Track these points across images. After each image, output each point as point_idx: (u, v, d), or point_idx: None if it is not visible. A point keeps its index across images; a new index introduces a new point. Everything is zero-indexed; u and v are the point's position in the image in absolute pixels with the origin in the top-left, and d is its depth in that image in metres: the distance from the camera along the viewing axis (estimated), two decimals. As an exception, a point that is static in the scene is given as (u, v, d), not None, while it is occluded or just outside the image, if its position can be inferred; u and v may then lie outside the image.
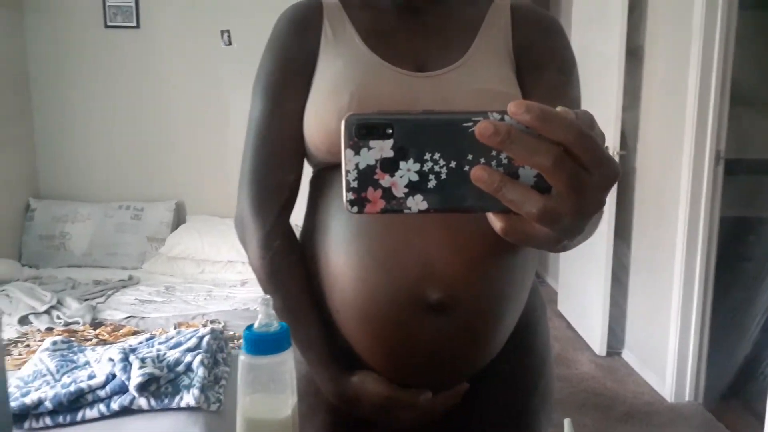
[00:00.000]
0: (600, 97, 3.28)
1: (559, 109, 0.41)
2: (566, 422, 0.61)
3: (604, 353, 3.43)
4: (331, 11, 0.87)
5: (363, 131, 0.41)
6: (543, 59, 0.83)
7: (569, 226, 0.42)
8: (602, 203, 0.43)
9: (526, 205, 0.40)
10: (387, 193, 0.42)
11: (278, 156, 0.85)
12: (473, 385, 0.83)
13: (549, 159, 0.39)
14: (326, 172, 0.84)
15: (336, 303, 0.81)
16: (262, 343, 0.67)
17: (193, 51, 3.51)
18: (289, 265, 0.85)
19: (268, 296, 0.68)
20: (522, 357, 0.88)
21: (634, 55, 3.23)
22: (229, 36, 3.45)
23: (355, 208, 0.42)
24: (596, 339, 3.47)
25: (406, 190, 0.41)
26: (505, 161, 0.41)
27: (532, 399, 0.90)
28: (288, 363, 0.69)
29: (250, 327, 0.68)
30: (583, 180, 0.40)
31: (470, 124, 0.40)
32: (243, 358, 0.68)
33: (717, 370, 2.93)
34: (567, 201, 0.41)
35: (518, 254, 0.80)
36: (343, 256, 0.78)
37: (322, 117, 0.80)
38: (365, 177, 0.41)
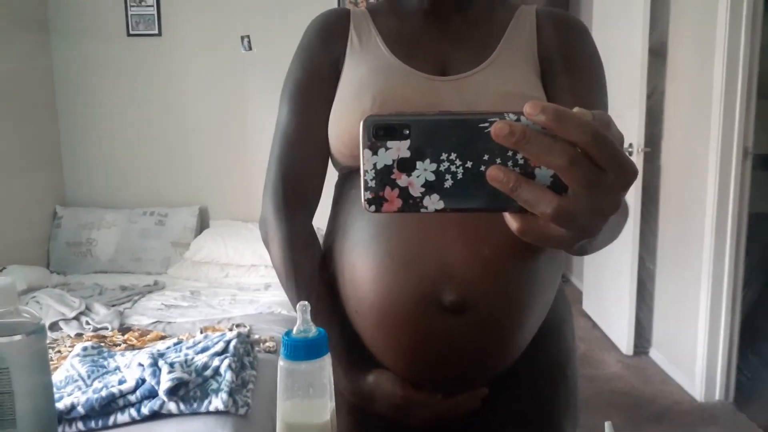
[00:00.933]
0: (624, 95, 3.25)
1: (575, 110, 0.41)
2: (607, 425, 0.61)
3: (631, 353, 3.40)
4: (357, 19, 0.89)
5: (381, 132, 0.42)
6: (568, 64, 0.83)
7: (585, 226, 0.43)
8: (618, 204, 0.43)
9: (541, 205, 0.41)
10: (404, 193, 0.42)
11: (303, 161, 0.88)
12: (493, 389, 0.83)
13: (564, 159, 0.40)
14: (349, 176, 0.86)
15: (354, 303, 0.82)
16: (300, 349, 0.68)
17: (214, 57, 3.54)
18: (310, 266, 0.88)
19: (306, 303, 0.69)
20: (544, 362, 0.87)
21: (657, 51, 3.19)
22: (249, 41, 3.48)
23: (373, 207, 0.43)
24: (623, 338, 3.43)
25: (423, 189, 0.42)
26: (521, 161, 0.42)
27: (553, 405, 0.89)
28: (326, 368, 0.69)
29: (288, 333, 0.69)
30: (599, 180, 0.41)
31: (486, 124, 0.41)
32: (282, 363, 0.68)
33: (748, 369, 2.88)
34: (583, 201, 0.41)
35: (539, 257, 0.79)
36: (361, 257, 0.80)
37: (345, 121, 0.82)
38: (383, 176, 0.42)
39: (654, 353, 3.35)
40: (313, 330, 0.69)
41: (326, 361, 0.69)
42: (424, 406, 0.79)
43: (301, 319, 0.69)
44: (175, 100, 3.59)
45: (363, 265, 0.80)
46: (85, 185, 3.64)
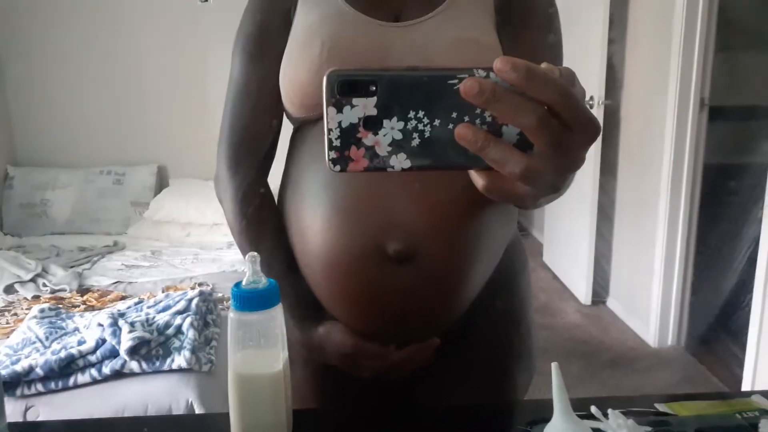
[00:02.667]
0: (584, 47, 3.25)
1: (543, 65, 0.41)
2: (553, 366, 0.61)
3: (589, 302, 3.49)
4: None
5: (345, 88, 0.40)
6: (526, 15, 0.82)
7: (550, 184, 0.43)
8: (582, 160, 0.44)
9: (509, 165, 0.41)
10: (370, 152, 0.41)
11: (256, 114, 0.87)
12: (446, 340, 0.83)
13: (533, 119, 0.39)
14: (301, 128, 0.85)
15: (303, 256, 0.82)
16: (250, 300, 0.68)
17: (169, 9, 3.40)
18: (263, 219, 0.87)
19: (255, 254, 0.68)
20: (497, 313, 0.88)
21: (618, 3, 3.18)
22: (204, -8, 3.35)
23: (338, 167, 0.42)
24: (581, 289, 3.52)
25: (390, 148, 0.41)
26: (489, 119, 0.41)
27: (508, 355, 0.90)
28: (278, 318, 0.69)
29: (238, 284, 0.69)
30: (565, 139, 0.41)
31: (455, 81, 0.40)
32: (232, 315, 0.68)
33: (699, 315, 3.00)
34: (549, 160, 0.41)
35: (488, 208, 0.80)
36: (309, 208, 0.79)
37: (294, 69, 0.80)
38: (348, 135, 0.41)
39: (611, 302, 3.45)
40: (264, 281, 0.69)
41: (278, 312, 0.69)
42: (374, 357, 0.80)
43: (251, 270, 0.68)
44: (129, 55, 3.45)
45: (310, 216, 0.79)
46: (36, 144, 3.51)
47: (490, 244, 0.83)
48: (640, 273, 3.12)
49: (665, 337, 2.98)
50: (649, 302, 3.01)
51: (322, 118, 0.79)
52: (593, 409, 0.60)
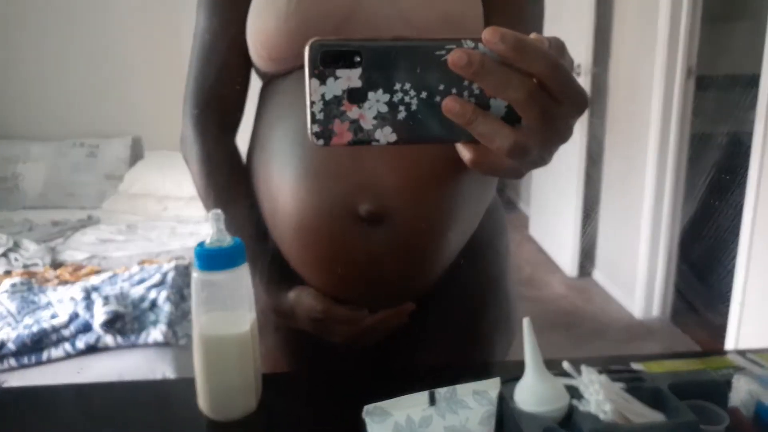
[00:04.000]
0: (572, 15, 3.19)
1: (533, 36, 0.40)
2: (525, 322, 0.60)
3: (575, 275, 3.49)
4: None
5: (329, 59, 0.39)
6: None
7: (537, 158, 0.43)
8: (570, 133, 0.43)
9: (497, 139, 0.40)
10: (354, 125, 0.40)
11: (221, 70, 0.82)
12: (421, 305, 0.81)
13: (522, 93, 0.39)
14: (271, 83, 0.81)
15: (274, 218, 0.79)
16: (214, 259, 0.64)
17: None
18: (230, 180, 0.83)
19: (219, 211, 0.64)
20: (474, 277, 0.85)
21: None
22: (178, -43, 3.23)
23: (321, 141, 0.40)
24: (567, 261, 3.52)
25: (375, 121, 0.40)
26: (477, 92, 0.40)
27: (483, 320, 0.87)
28: (243, 278, 0.65)
29: (201, 243, 0.64)
30: (554, 112, 0.40)
31: (443, 52, 0.39)
32: (196, 275, 0.64)
33: (684, 285, 3.01)
34: (537, 133, 0.40)
35: (465, 174, 0.76)
36: (279, 168, 0.76)
37: (261, 19, 0.75)
38: (331, 108, 0.40)
39: (597, 274, 3.45)
40: (228, 239, 0.64)
41: (243, 271, 0.65)
42: (346, 322, 0.77)
43: (215, 229, 0.64)
44: (101, 21, 3.34)
45: (279, 176, 0.76)
46: (6, 116, 3.41)
47: (466, 208, 0.80)
48: (626, 244, 3.11)
49: (650, 308, 2.99)
50: (635, 273, 3.01)
51: (290, 72, 0.75)
52: (565, 364, 0.59)
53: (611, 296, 3.24)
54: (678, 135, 2.78)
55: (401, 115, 0.40)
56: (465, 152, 0.43)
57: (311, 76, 0.39)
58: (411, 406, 0.50)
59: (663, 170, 2.82)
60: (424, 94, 0.40)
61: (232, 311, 0.65)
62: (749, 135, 2.15)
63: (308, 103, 0.40)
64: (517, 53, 0.38)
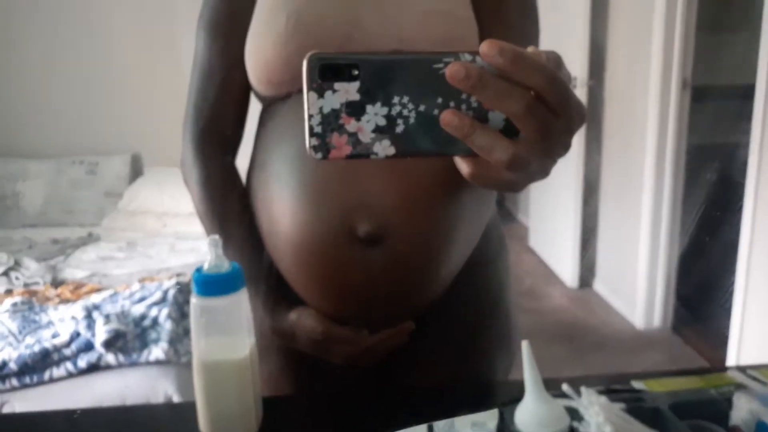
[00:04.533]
0: (567, 28, 3.21)
1: (530, 49, 0.40)
2: (523, 344, 0.59)
3: (575, 286, 3.48)
4: None
5: (327, 72, 0.39)
6: None
7: (536, 171, 0.43)
8: (569, 146, 0.43)
9: (495, 152, 0.40)
10: (353, 139, 0.40)
11: (221, 94, 0.83)
12: (421, 324, 0.81)
13: (521, 106, 0.39)
14: (270, 107, 0.81)
15: (272, 239, 0.79)
16: (213, 285, 0.64)
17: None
18: (230, 203, 0.84)
19: (216, 237, 0.65)
20: (474, 296, 0.85)
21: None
22: (176, -26, 3.25)
23: (320, 155, 0.40)
24: (567, 272, 3.51)
25: (373, 135, 0.40)
26: (475, 105, 0.40)
27: (483, 339, 0.87)
28: (243, 303, 0.65)
29: (199, 269, 0.65)
30: (553, 125, 0.40)
31: (441, 65, 0.39)
32: (195, 300, 0.65)
33: (685, 296, 3.00)
34: (536, 147, 0.40)
35: (464, 192, 0.76)
36: (278, 190, 0.76)
37: (259, 44, 0.76)
38: (330, 121, 0.40)
39: (598, 285, 3.44)
40: (226, 265, 0.65)
41: (242, 296, 0.65)
42: (347, 342, 0.77)
43: (213, 255, 0.65)
44: (99, 39, 3.35)
45: (278, 198, 0.76)
46: (5, 134, 3.41)
47: (464, 227, 0.79)
48: (625, 255, 3.11)
49: (651, 318, 2.98)
50: (635, 284, 3.01)
51: (289, 96, 0.75)
52: (565, 387, 0.59)
53: (612, 307, 3.23)
54: (675, 146, 2.78)
55: (399, 128, 0.40)
56: (463, 165, 0.43)
57: (309, 89, 0.39)
58: None
59: (661, 180, 2.83)
60: (422, 108, 0.40)
61: (231, 336, 0.66)
62: (746, 145, 2.16)
63: (306, 116, 0.40)
64: (515, 66, 0.38)
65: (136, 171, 3.45)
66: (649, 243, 2.90)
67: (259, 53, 0.76)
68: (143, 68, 3.40)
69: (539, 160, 0.42)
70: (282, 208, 0.75)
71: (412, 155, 0.41)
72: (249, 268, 0.78)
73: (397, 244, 0.73)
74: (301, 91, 0.39)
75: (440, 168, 0.72)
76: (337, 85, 0.39)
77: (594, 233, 3.45)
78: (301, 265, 0.76)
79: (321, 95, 0.39)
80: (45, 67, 3.37)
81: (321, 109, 0.39)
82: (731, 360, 2.28)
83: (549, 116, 0.40)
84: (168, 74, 3.36)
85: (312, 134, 0.40)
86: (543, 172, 0.44)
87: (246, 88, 0.83)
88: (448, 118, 0.39)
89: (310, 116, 0.39)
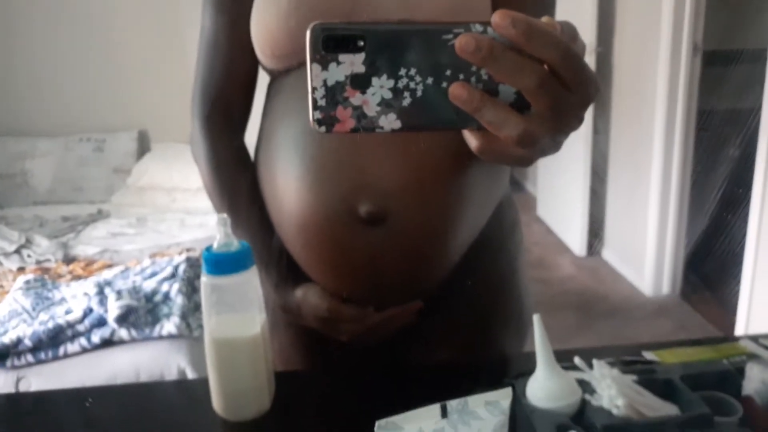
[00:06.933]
0: (574, -9, 3.15)
1: (544, 20, 0.38)
2: (535, 318, 0.60)
3: (584, 254, 3.48)
4: None
5: (331, 43, 0.37)
6: None
7: (547, 146, 0.42)
8: (581, 120, 0.41)
9: (506, 128, 0.38)
10: (358, 112, 0.39)
11: (228, 68, 0.82)
12: (429, 302, 0.80)
13: (533, 80, 0.37)
14: (276, 80, 0.80)
15: (277, 216, 0.79)
16: (222, 263, 0.64)
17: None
18: (238, 179, 0.83)
19: (225, 215, 0.65)
20: (483, 277, 0.85)
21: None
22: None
23: (323, 128, 0.39)
24: (576, 241, 3.50)
25: (379, 108, 0.39)
26: (485, 77, 0.39)
27: (494, 319, 0.87)
28: (252, 281, 0.66)
29: (209, 248, 0.65)
30: (566, 101, 0.39)
31: (450, 36, 0.37)
32: (205, 279, 0.65)
33: (695, 262, 2.99)
34: (547, 122, 0.39)
35: (473, 168, 0.75)
36: (282, 166, 0.75)
37: (263, 16, 0.75)
38: (334, 94, 0.38)
39: (606, 253, 3.44)
40: (236, 243, 0.65)
41: (252, 274, 0.65)
42: (353, 320, 0.77)
43: (222, 233, 0.65)
44: (105, 14, 3.32)
45: (282, 175, 0.75)
46: (12, 112, 3.40)
47: (472, 207, 0.78)
48: (635, 222, 3.10)
49: (660, 285, 2.98)
50: (644, 251, 3.00)
51: (294, 69, 0.74)
52: (577, 359, 0.60)
53: (621, 275, 3.23)
54: (685, 111, 2.74)
55: (406, 101, 0.39)
56: (472, 140, 0.42)
57: (313, 60, 0.38)
58: (423, 419, 0.49)
59: (671, 146, 2.79)
60: (430, 80, 0.38)
61: (242, 313, 0.66)
62: (759, 110, 2.12)
63: (310, 89, 0.38)
64: (529, 39, 0.36)
65: (143, 147, 3.45)
66: (658, 209, 2.89)
67: (264, 25, 0.75)
68: (149, 44, 3.37)
69: (551, 135, 0.40)
70: (285, 185, 0.75)
71: (418, 129, 0.40)
72: (255, 245, 0.78)
73: (400, 224, 0.72)
74: (305, 64, 0.38)
75: (446, 145, 0.71)
76: (341, 57, 0.38)
77: (602, 200, 3.43)
78: (305, 244, 0.76)
79: (325, 67, 0.38)
80: (50, 45, 3.35)
81: (325, 81, 0.38)
82: (740, 328, 2.28)
83: (562, 91, 0.38)
84: (173, 50, 3.33)
85: (316, 107, 0.39)
86: (554, 147, 0.43)
87: (253, 63, 0.81)
88: (457, 92, 0.37)
89: (314, 89, 0.38)
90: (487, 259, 0.84)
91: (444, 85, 0.38)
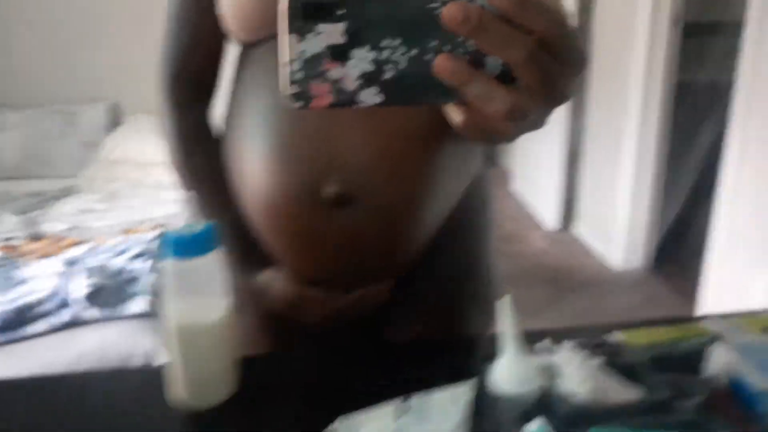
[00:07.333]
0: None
1: None
2: (502, 301, 0.60)
3: (556, 228, 3.50)
4: None
5: (309, 12, 0.35)
6: None
7: (533, 122, 0.40)
8: (568, 94, 0.40)
9: (493, 103, 0.37)
10: (337, 86, 0.36)
11: (193, 37, 0.79)
12: (401, 284, 0.80)
13: (523, 52, 0.35)
14: (244, 52, 0.77)
15: (245, 195, 0.77)
16: (186, 245, 0.62)
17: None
18: (202, 155, 0.81)
19: (189, 194, 0.62)
20: (452, 255, 0.84)
21: None
22: None
23: (300, 104, 0.37)
24: (549, 215, 3.53)
25: (359, 81, 0.36)
26: (471, 49, 0.37)
27: (461, 297, 0.87)
28: (217, 264, 0.63)
29: (170, 231, 0.62)
30: (555, 74, 0.37)
31: (436, 5, 0.35)
32: (166, 263, 0.62)
33: (666, 236, 3.03)
34: (535, 96, 0.37)
35: (441, 153, 0.73)
36: (248, 144, 0.73)
37: None
38: (312, 67, 0.36)
39: (578, 227, 3.46)
40: (200, 224, 0.62)
41: (217, 256, 0.63)
42: (320, 303, 0.76)
43: (186, 214, 0.62)
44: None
45: (248, 153, 0.73)
46: (-26, 83, 3.29)
47: (444, 187, 0.77)
48: (607, 195, 3.12)
49: (631, 259, 3.02)
50: (615, 224, 3.03)
51: (263, 41, 0.71)
52: (543, 343, 0.58)
53: (593, 248, 3.27)
54: (662, 84, 2.75)
55: (388, 74, 0.36)
56: (455, 115, 0.40)
57: (289, 31, 0.35)
58: (381, 418, 0.48)
59: (647, 120, 2.80)
60: (413, 52, 0.36)
61: (206, 298, 0.64)
62: (733, 82, 2.14)
63: (284, 62, 0.36)
64: (519, 8, 0.35)
65: (115, 120, 3.36)
66: (631, 182, 2.90)
67: None
68: (121, 11, 3.26)
69: (538, 109, 0.39)
70: (251, 162, 0.73)
71: (400, 104, 0.38)
72: (220, 225, 0.77)
73: (368, 205, 0.71)
74: (275, 37, 0.36)
75: (418, 125, 0.69)
76: (320, 27, 0.35)
77: (576, 174, 3.44)
78: (271, 226, 0.74)
79: (302, 38, 0.35)
80: (15, 13, 3.22)
81: (301, 53, 0.36)
82: (707, 304, 2.33)
83: (551, 64, 0.37)
84: (148, 18, 3.21)
85: (292, 81, 0.36)
86: (538, 123, 0.41)
87: (221, 33, 0.78)
88: (442, 64, 0.35)
89: (291, 61, 0.36)
90: (457, 239, 0.83)
91: (429, 57, 0.36)
